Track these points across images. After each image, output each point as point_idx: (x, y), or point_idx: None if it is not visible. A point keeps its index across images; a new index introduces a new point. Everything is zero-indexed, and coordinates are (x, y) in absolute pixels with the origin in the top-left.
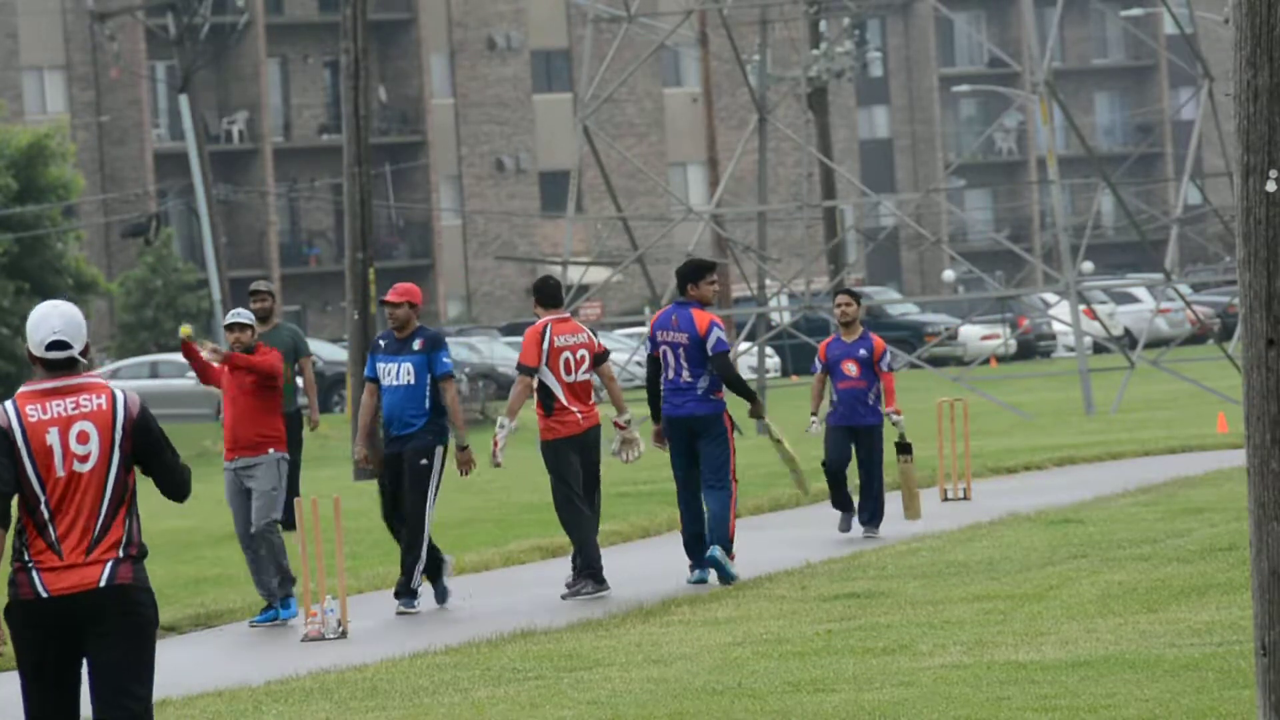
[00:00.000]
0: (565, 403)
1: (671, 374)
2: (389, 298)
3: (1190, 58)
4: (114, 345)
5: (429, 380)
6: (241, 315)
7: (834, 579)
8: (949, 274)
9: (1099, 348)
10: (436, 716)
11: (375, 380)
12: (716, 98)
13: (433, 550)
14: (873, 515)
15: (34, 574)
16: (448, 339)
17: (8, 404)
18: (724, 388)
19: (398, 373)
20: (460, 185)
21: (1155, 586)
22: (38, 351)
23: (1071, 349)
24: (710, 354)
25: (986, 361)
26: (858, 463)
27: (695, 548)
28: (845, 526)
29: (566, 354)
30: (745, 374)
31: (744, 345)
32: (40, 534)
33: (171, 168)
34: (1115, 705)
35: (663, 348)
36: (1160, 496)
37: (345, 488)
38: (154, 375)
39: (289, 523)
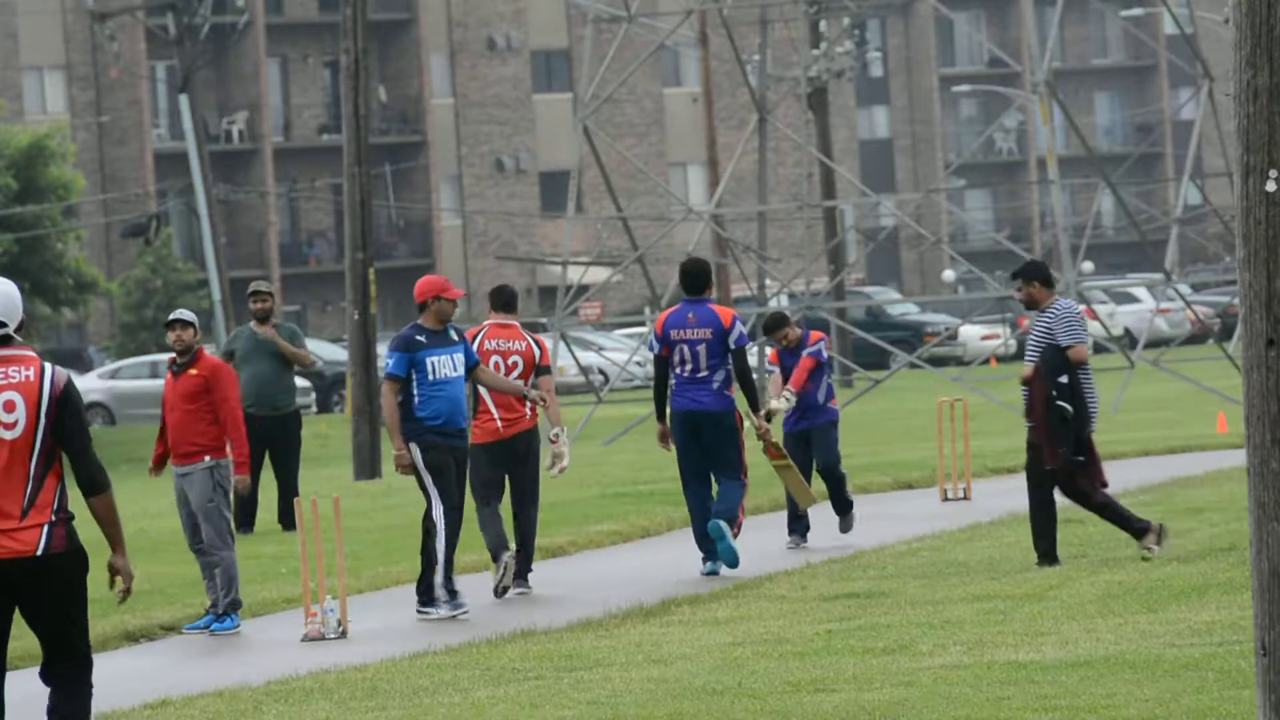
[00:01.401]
0: (488, 406)
1: (688, 370)
2: (454, 294)
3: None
4: (114, 345)
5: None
6: (183, 314)
7: (834, 579)
8: (949, 274)
9: (1099, 348)
10: (436, 716)
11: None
12: (716, 98)
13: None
14: (841, 509)
15: None
16: None
17: None
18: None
19: (454, 364)
20: (460, 185)
21: (1155, 586)
22: None
23: None
24: (733, 347)
25: (986, 361)
26: (818, 467)
27: (707, 541)
28: (794, 545)
29: (496, 358)
30: None
31: None
32: None
33: (171, 168)
34: (1115, 705)
35: (678, 346)
36: (1160, 496)
37: (345, 488)
38: (154, 375)
39: (289, 523)
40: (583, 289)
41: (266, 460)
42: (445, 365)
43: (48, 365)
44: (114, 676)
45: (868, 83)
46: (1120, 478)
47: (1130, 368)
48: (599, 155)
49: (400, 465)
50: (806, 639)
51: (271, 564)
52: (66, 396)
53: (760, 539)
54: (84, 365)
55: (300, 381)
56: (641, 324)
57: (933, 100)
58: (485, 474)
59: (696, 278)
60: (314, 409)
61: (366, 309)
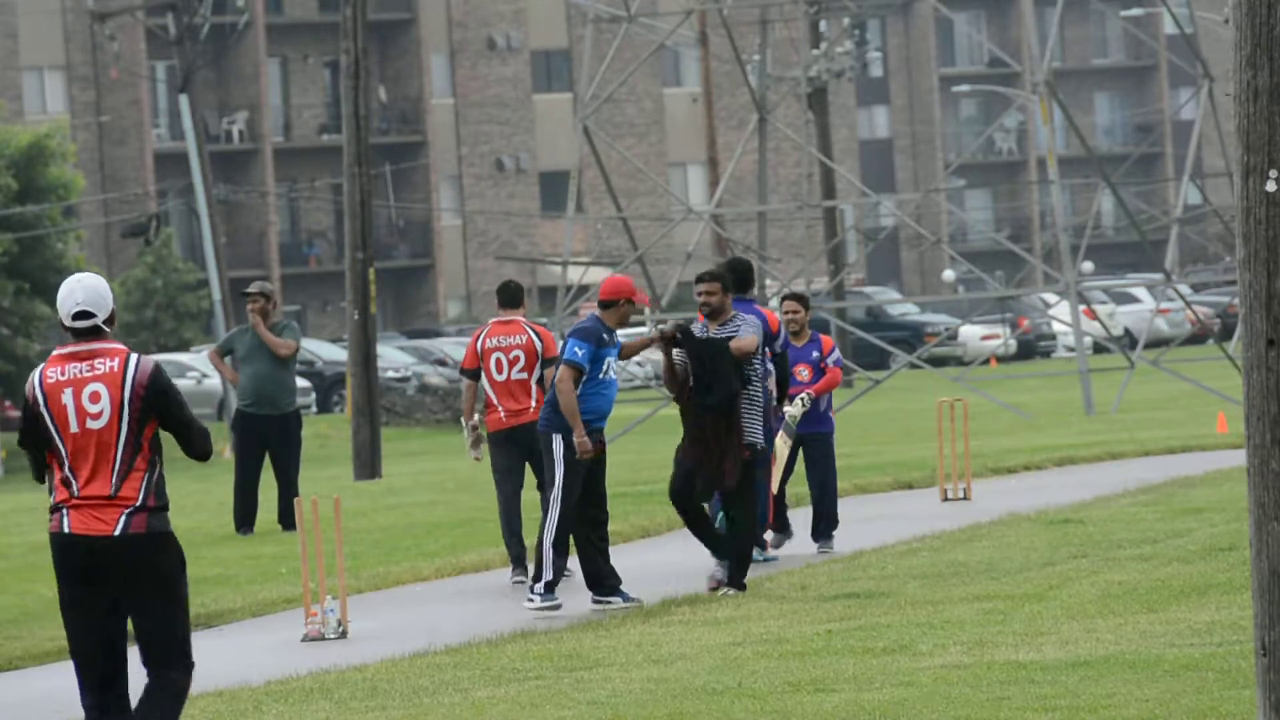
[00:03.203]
0: (493, 399)
1: None
2: (641, 300)
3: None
4: None
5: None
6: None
7: (834, 579)
8: (949, 274)
9: (1099, 348)
10: (436, 716)
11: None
12: (716, 98)
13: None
14: (826, 529)
15: (63, 516)
16: (448, 339)
17: (36, 371)
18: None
19: (615, 368)
20: (460, 185)
21: (1155, 586)
22: (66, 321)
23: (1071, 349)
24: (777, 351)
25: (986, 361)
26: (807, 474)
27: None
28: (778, 544)
29: (498, 354)
30: None
31: None
32: (65, 484)
33: (171, 168)
34: (1115, 705)
35: None
36: (1160, 496)
37: (345, 488)
38: None
39: (289, 523)
40: (583, 289)
41: (266, 460)
42: (613, 367)
43: (133, 356)
44: None
45: (868, 83)
46: (1120, 478)
47: (1130, 368)
48: (599, 155)
49: (585, 451)
50: (806, 639)
51: (271, 564)
52: (154, 384)
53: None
54: None
55: (300, 381)
56: (642, 324)
57: (933, 100)
58: (499, 461)
59: (743, 272)
60: (314, 409)
61: (366, 309)
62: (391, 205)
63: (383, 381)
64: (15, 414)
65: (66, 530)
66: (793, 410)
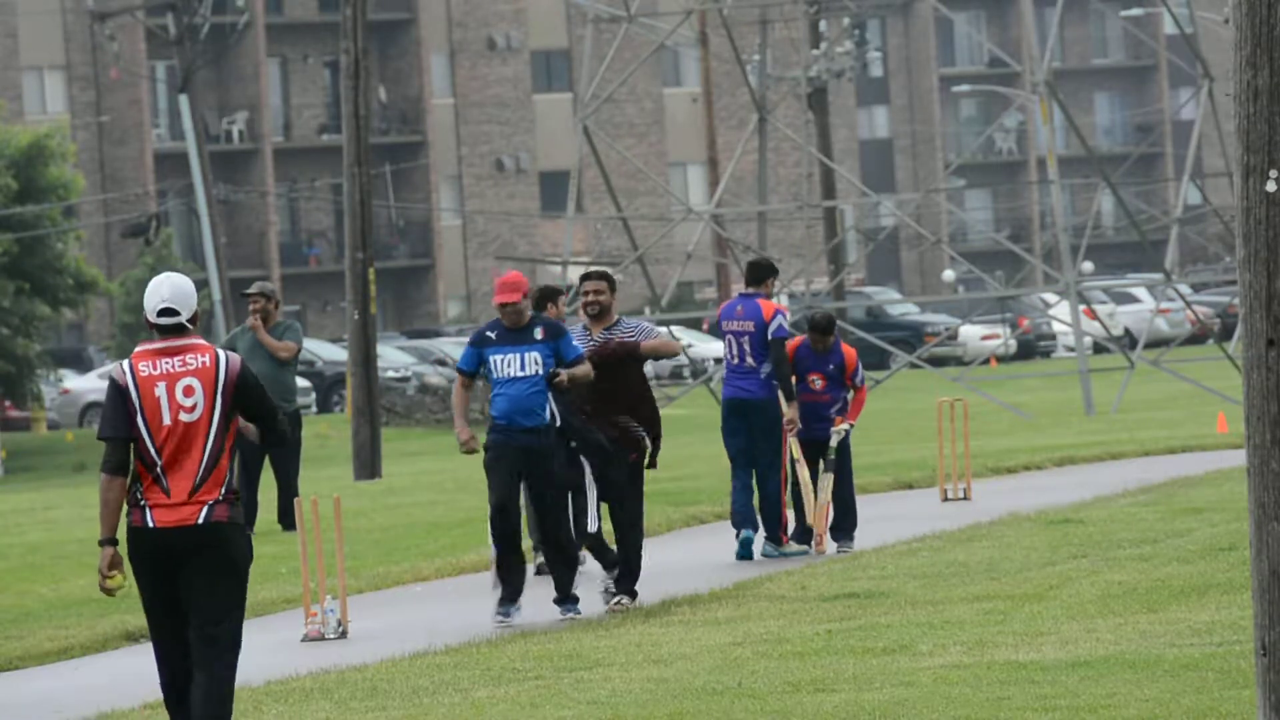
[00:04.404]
0: None
1: (736, 359)
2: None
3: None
4: (114, 345)
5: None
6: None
7: (834, 579)
8: (949, 274)
9: (1099, 348)
10: (436, 716)
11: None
12: (716, 98)
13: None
14: (848, 528)
15: (146, 510)
16: (448, 339)
17: (124, 362)
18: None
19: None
20: (460, 185)
21: (1155, 586)
22: (151, 318)
23: (1071, 349)
24: (770, 337)
25: (986, 361)
26: (831, 490)
27: (745, 517)
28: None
29: None
30: None
31: None
32: (151, 477)
33: (171, 168)
34: (1115, 705)
35: (728, 336)
36: (1160, 496)
37: (345, 488)
38: None
39: (289, 523)
40: None
41: (266, 460)
42: (513, 365)
43: (221, 352)
44: (114, 676)
45: (868, 83)
46: (1120, 478)
47: (1130, 368)
48: (599, 155)
49: (462, 446)
50: (806, 639)
51: (271, 564)
52: (243, 380)
53: (760, 539)
54: (84, 365)
55: (300, 381)
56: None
57: (933, 100)
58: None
59: (754, 269)
60: (314, 409)
61: (366, 309)
62: (391, 205)
63: (383, 381)
64: (15, 414)
65: (151, 524)
66: (835, 437)
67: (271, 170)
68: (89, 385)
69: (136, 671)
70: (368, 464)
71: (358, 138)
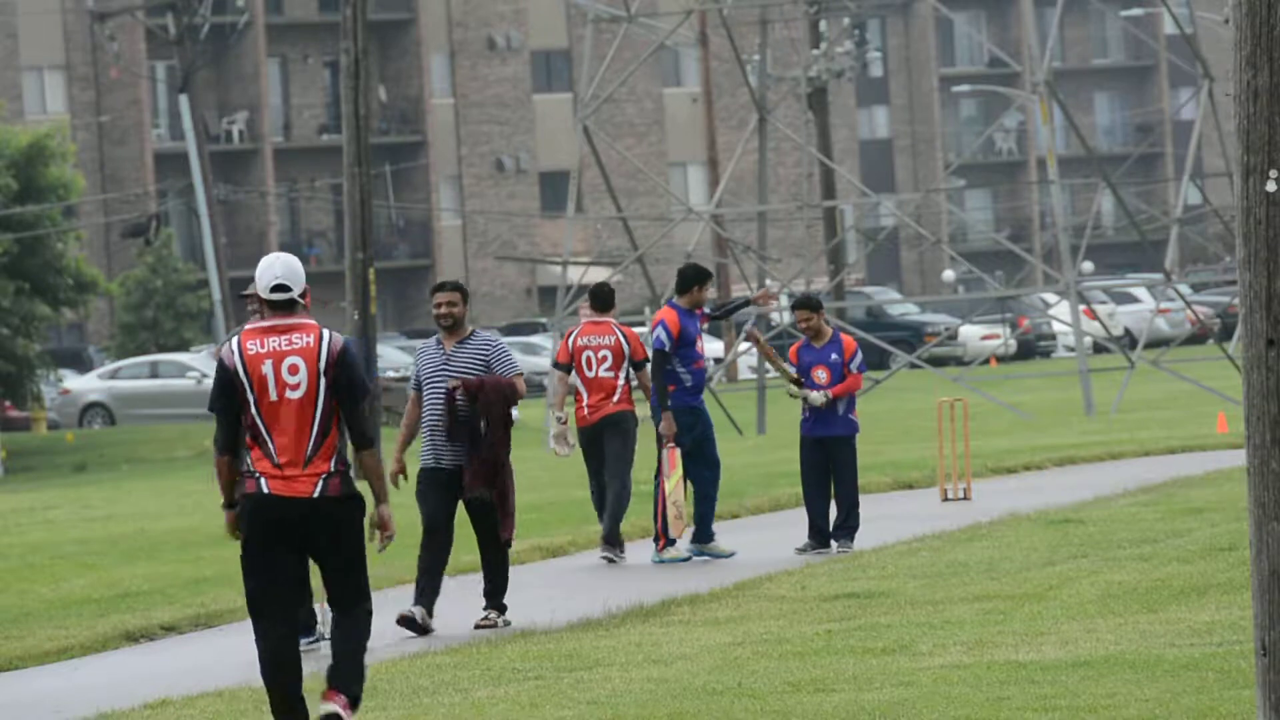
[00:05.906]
0: (583, 395)
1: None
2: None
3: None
4: (114, 345)
5: None
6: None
7: (834, 579)
8: (949, 274)
9: (1099, 348)
10: (436, 716)
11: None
12: (716, 98)
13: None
14: (850, 528)
15: (260, 479)
16: None
17: (233, 341)
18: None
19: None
20: (460, 185)
21: (1155, 586)
22: (263, 294)
23: (1071, 349)
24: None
25: (986, 361)
26: (836, 493)
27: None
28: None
29: (587, 353)
30: (745, 374)
31: (744, 345)
32: (261, 450)
33: (171, 168)
34: (1115, 705)
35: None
36: (1160, 496)
37: None
38: (154, 375)
39: None
40: (583, 289)
41: None
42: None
43: (326, 331)
44: (114, 676)
45: (868, 83)
46: (1120, 478)
47: (1130, 368)
48: (599, 155)
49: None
50: (806, 639)
51: None
52: (343, 359)
53: (761, 539)
54: (84, 365)
55: None
56: (642, 324)
57: (933, 100)
58: (593, 454)
59: (685, 278)
60: None
61: (366, 309)
62: (391, 205)
63: (382, 381)
64: (15, 414)
65: (265, 491)
66: (813, 396)
67: (271, 170)
68: (89, 385)
69: (136, 671)
70: None
71: (358, 138)
